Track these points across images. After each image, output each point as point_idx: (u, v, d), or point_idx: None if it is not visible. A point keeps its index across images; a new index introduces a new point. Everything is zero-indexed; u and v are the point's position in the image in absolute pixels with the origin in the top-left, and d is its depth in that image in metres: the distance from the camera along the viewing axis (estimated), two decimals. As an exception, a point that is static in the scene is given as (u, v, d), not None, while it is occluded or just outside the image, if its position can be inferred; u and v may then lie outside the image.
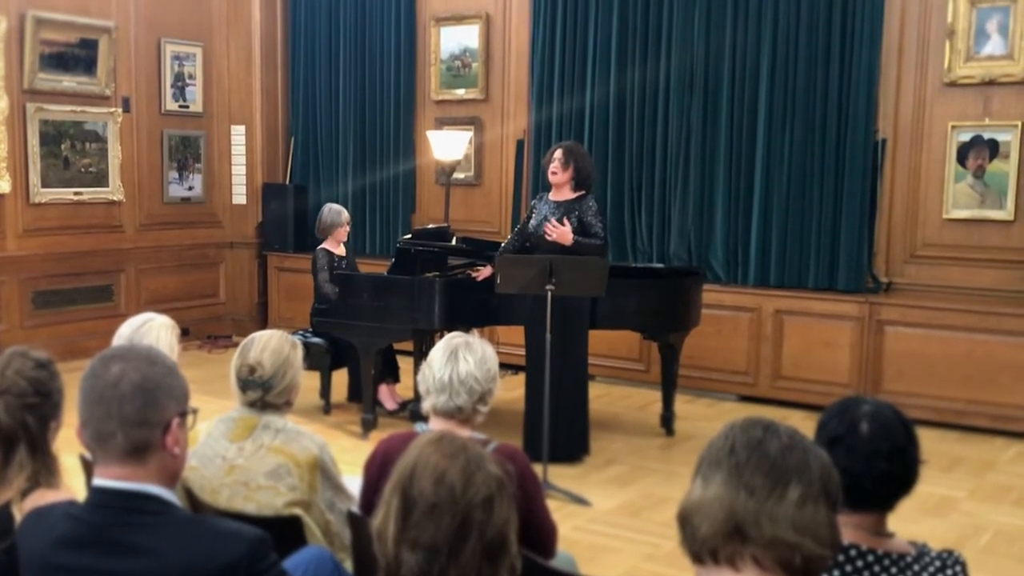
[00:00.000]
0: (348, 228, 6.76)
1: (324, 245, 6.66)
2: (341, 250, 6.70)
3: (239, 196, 9.31)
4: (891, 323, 6.62)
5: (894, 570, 1.93)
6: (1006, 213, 6.51)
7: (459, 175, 8.05)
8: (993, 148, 6.52)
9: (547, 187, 5.78)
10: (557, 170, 5.58)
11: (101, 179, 8.26)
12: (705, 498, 1.46)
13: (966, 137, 6.60)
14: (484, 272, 6.00)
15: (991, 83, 6.50)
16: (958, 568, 1.98)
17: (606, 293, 5.35)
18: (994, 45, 6.49)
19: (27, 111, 7.67)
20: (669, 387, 6.24)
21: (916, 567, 1.95)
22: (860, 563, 1.92)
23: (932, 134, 6.71)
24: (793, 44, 7.00)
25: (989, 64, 6.50)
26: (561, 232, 5.42)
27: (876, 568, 1.92)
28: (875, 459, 1.94)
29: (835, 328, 6.79)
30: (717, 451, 1.49)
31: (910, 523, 1.88)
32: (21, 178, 7.70)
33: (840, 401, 2.07)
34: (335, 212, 6.71)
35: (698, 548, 1.47)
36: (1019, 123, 6.43)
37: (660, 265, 7.34)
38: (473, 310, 6.00)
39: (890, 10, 6.74)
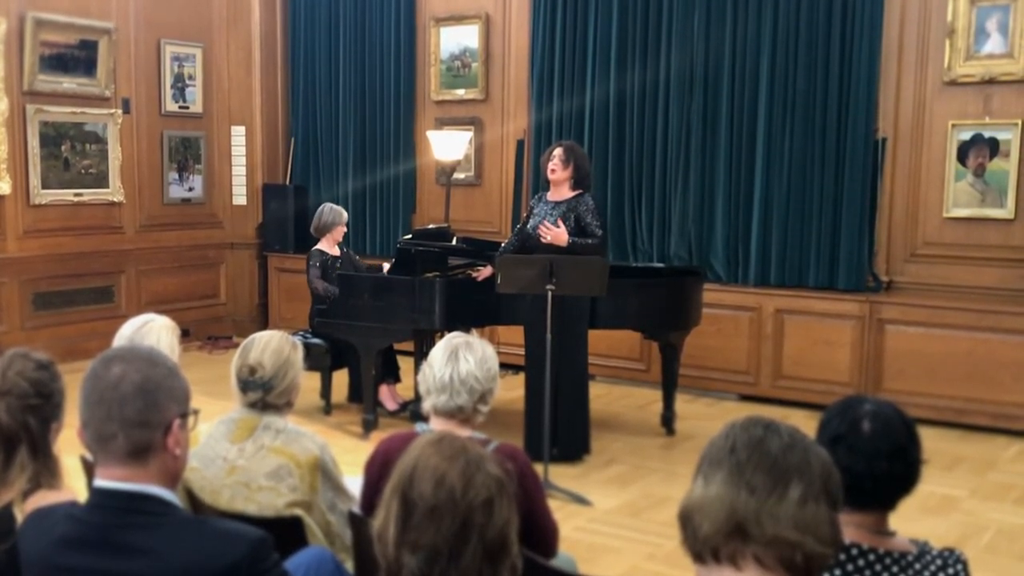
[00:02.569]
0: (345, 229, 6.76)
1: (319, 245, 6.66)
2: (336, 250, 6.70)
3: (239, 197, 9.31)
4: (892, 322, 6.62)
5: (895, 569, 1.93)
6: (1006, 212, 6.51)
7: (459, 175, 8.05)
8: (993, 147, 6.52)
9: (547, 187, 5.78)
10: (557, 167, 5.58)
11: (101, 180, 8.26)
12: (706, 497, 1.46)
13: (966, 136, 6.59)
14: (484, 272, 6.00)
15: (991, 82, 6.50)
16: (959, 567, 1.98)
17: (606, 293, 5.35)
18: (994, 43, 6.49)
19: (27, 112, 7.68)
20: (670, 387, 6.24)
21: (917, 566, 1.95)
22: (861, 562, 1.92)
23: (932, 133, 6.71)
24: (793, 43, 7.00)
25: (989, 63, 6.50)
26: (556, 234, 5.42)
27: (877, 567, 1.92)
28: (876, 458, 1.94)
29: (836, 327, 6.78)
30: (718, 450, 1.49)
31: (911, 522, 1.88)
32: (21, 179, 7.71)
33: (842, 400, 2.07)
34: (336, 212, 6.71)
35: (699, 547, 1.47)
36: (1019, 121, 6.42)
37: (660, 265, 7.34)
38: (473, 310, 6.00)
39: (890, 9, 6.74)
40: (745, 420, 1.53)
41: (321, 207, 6.82)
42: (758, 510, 1.42)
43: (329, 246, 6.67)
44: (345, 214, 6.77)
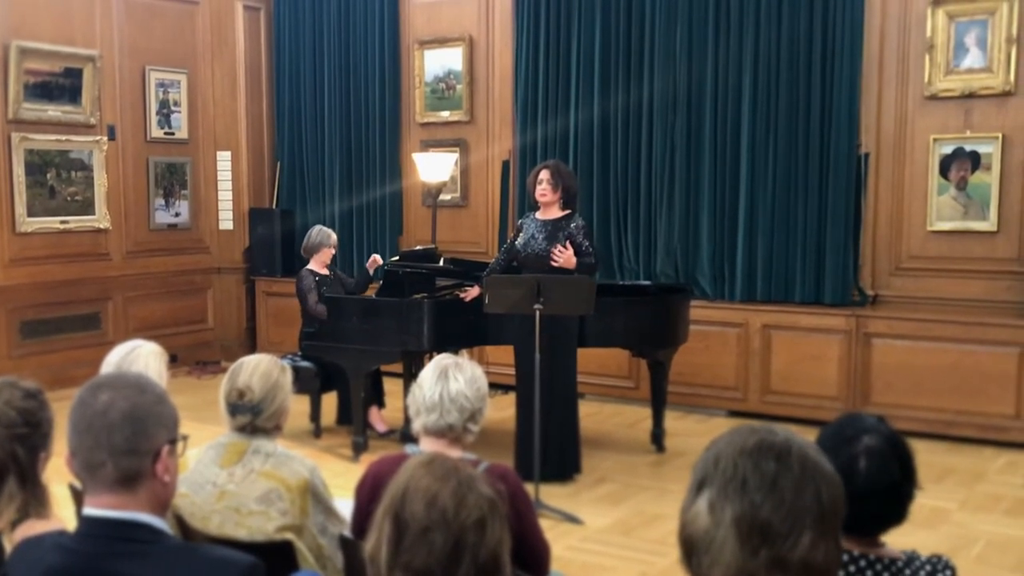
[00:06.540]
0: (334, 250, 6.77)
1: (309, 266, 6.67)
2: (325, 271, 6.71)
3: (226, 222, 9.30)
4: (878, 336, 6.65)
5: (886, 574, 1.94)
6: (989, 224, 6.56)
7: (445, 197, 8.07)
8: (975, 160, 6.58)
9: (533, 207, 5.81)
10: (547, 192, 5.62)
11: (87, 207, 8.25)
12: (716, 536, 1.39)
13: (948, 149, 6.65)
14: (472, 292, 6.01)
15: (971, 96, 6.56)
16: (948, 573, 1.99)
17: (594, 311, 5.36)
18: (973, 58, 6.56)
19: (12, 141, 7.67)
20: (659, 404, 6.24)
21: (907, 572, 1.96)
22: (852, 568, 1.93)
23: (914, 147, 6.76)
24: (775, 61, 7.06)
25: (969, 77, 6.56)
26: (567, 257, 5.46)
27: (868, 573, 1.93)
28: (870, 498, 1.93)
29: (823, 342, 6.81)
30: (727, 480, 1.41)
31: (901, 535, 1.88)
32: (7, 208, 7.69)
33: (837, 426, 2.04)
34: (324, 233, 6.72)
35: None
36: (1000, 135, 6.48)
37: (647, 282, 7.35)
38: (462, 331, 6.00)
39: (870, 25, 6.81)
40: (755, 446, 1.43)
41: (311, 229, 6.84)
42: (771, 561, 1.38)
43: (319, 266, 6.67)
44: (334, 236, 6.78)
